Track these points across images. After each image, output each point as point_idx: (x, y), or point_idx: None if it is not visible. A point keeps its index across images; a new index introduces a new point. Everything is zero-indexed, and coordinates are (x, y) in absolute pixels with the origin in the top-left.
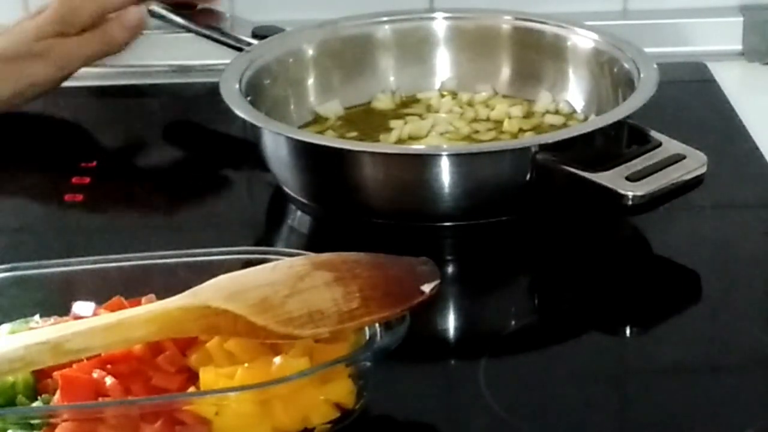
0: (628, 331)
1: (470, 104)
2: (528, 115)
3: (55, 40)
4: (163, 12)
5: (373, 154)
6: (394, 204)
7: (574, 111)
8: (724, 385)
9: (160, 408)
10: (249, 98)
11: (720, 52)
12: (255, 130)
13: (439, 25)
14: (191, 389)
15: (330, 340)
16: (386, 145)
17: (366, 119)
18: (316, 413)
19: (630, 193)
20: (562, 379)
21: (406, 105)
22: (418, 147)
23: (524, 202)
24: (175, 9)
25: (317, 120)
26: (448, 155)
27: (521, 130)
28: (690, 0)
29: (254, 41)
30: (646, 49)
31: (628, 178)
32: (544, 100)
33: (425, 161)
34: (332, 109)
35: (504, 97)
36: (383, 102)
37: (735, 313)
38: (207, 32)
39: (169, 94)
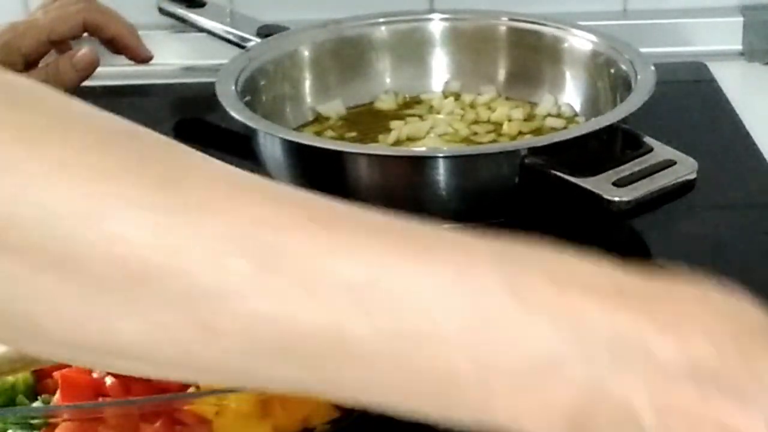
0: None
1: (472, 106)
2: (529, 117)
3: None
4: (173, 9)
5: (362, 155)
6: (385, 206)
7: (576, 114)
8: None
9: (160, 408)
10: (247, 98)
11: (720, 52)
12: (250, 130)
13: (437, 27)
14: (191, 389)
15: None
16: (375, 146)
17: (367, 120)
18: (316, 413)
19: (616, 199)
20: None
21: (409, 106)
22: (405, 149)
23: (515, 205)
24: (187, 6)
25: (317, 119)
26: (437, 157)
27: (521, 133)
28: (690, 0)
29: (258, 40)
30: (646, 50)
31: (615, 184)
32: (546, 103)
33: (413, 163)
34: (333, 108)
35: (507, 99)
36: (386, 103)
37: None
38: (213, 31)
39: (170, 94)
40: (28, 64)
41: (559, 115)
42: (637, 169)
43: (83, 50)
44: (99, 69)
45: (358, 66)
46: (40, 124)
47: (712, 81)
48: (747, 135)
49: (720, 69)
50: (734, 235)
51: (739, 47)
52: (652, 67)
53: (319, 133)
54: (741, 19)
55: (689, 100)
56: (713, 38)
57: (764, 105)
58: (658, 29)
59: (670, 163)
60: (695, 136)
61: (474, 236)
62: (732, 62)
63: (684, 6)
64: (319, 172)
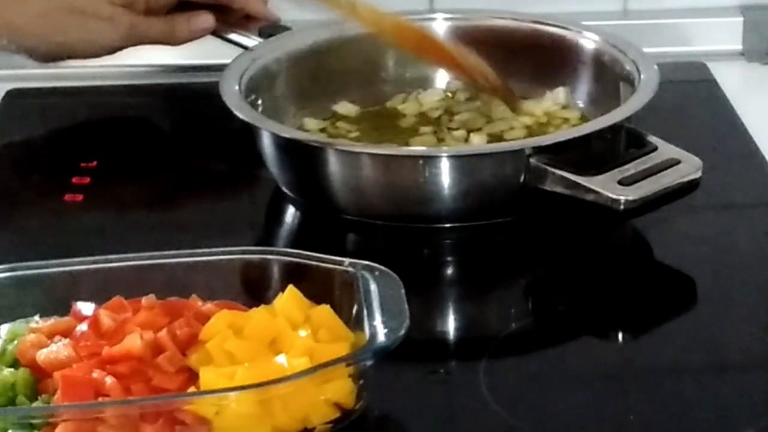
0: (628, 332)
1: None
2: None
3: (123, 9)
4: None
5: (367, 155)
6: (391, 205)
7: (580, 113)
8: (724, 385)
9: (160, 408)
10: (251, 98)
11: (720, 52)
12: (253, 130)
13: (440, 26)
14: (191, 389)
15: (330, 340)
16: (380, 146)
17: (371, 119)
18: (316, 413)
19: (622, 198)
20: (562, 379)
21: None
22: (410, 148)
23: (520, 204)
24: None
25: (321, 119)
26: (441, 157)
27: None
28: (690, 0)
29: (260, 40)
30: (646, 49)
31: (620, 183)
32: (549, 102)
33: (418, 163)
34: (337, 108)
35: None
36: (395, 102)
37: (735, 314)
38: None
39: (169, 94)
40: (149, 11)
41: (562, 115)
42: (641, 167)
43: (201, 14)
44: (99, 69)
45: (361, 66)
46: None
47: (712, 81)
48: (747, 135)
49: (720, 69)
50: (734, 235)
51: (739, 47)
52: (656, 67)
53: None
54: (741, 19)
55: (689, 100)
56: (713, 38)
57: (764, 105)
58: (659, 29)
59: (674, 162)
60: (695, 136)
61: None
62: (732, 62)
63: (684, 6)
64: (323, 171)
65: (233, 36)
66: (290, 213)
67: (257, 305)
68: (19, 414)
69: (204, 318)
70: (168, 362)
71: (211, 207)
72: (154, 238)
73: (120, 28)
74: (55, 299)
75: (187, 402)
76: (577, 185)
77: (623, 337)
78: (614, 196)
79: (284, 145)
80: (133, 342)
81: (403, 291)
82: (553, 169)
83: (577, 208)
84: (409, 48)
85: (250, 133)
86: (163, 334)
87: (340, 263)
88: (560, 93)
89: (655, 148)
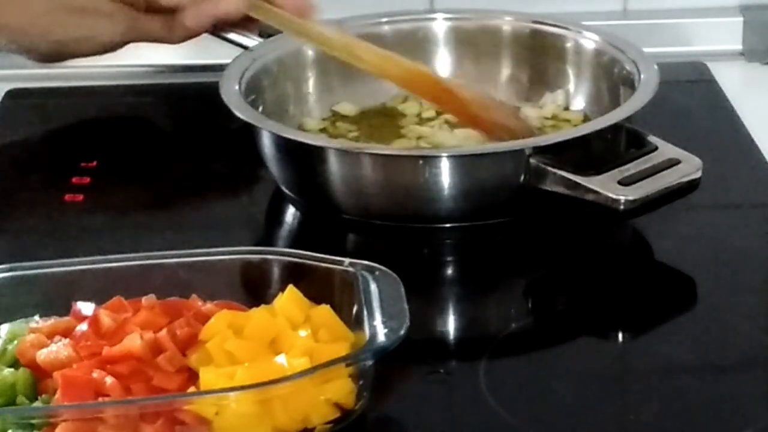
0: (627, 332)
1: None
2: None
3: (123, 6)
4: None
5: (367, 155)
6: (391, 205)
7: (580, 113)
8: (724, 385)
9: (160, 408)
10: (251, 98)
11: (720, 52)
12: (254, 130)
13: (440, 26)
14: (191, 389)
15: (330, 340)
16: (380, 146)
17: (371, 119)
18: (316, 413)
19: (622, 198)
20: (562, 379)
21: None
22: (410, 149)
23: (520, 204)
24: None
25: (321, 119)
26: (441, 157)
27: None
28: (690, 0)
29: (260, 40)
30: (646, 49)
31: (620, 183)
32: (549, 102)
33: (418, 163)
34: (336, 108)
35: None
36: (409, 107)
37: (735, 314)
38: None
39: (169, 94)
40: (149, 8)
41: (563, 115)
42: (642, 167)
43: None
44: (99, 69)
45: None
46: None
47: (712, 81)
48: (747, 135)
49: (720, 69)
50: (734, 235)
51: (739, 47)
52: (656, 66)
53: (322, 133)
54: (741, 19)
55: (689, 100)
56: (713, 38)
57: (764, 105)
58: (658, 29)
59: (674, 162)
60: (695, 136)
61: None
62: (732, 62)
63: (684, 6)
64: (324, 171)
65: (233, 36)
66: (290, 213)
67: (257, 305)
68: (19, 414)
69: (204, 318)
70: (168, 362)
71: (211, 207)
72: (154, 238)
73: (119, 25)
74: (55, 299)
75: (187, 402)
76: (577, 185)
77: (623, 337)
78: (614, 196)
79: (284, 145)
80: (133, 342)
81: (403, 291)
82: (553, 169)
83: (577, 208)
84: (418, 94)
85: (250, 133)
86: (163, 334)
87: (340, 263)
88: (560, 94)
89: (655, 148)
